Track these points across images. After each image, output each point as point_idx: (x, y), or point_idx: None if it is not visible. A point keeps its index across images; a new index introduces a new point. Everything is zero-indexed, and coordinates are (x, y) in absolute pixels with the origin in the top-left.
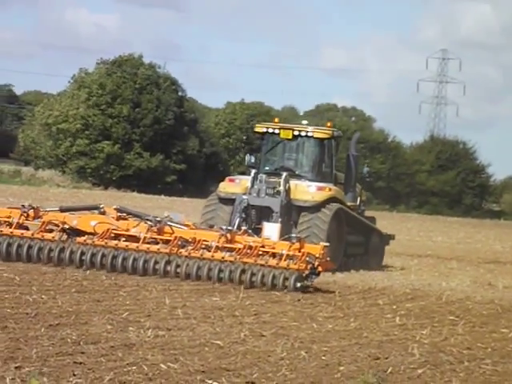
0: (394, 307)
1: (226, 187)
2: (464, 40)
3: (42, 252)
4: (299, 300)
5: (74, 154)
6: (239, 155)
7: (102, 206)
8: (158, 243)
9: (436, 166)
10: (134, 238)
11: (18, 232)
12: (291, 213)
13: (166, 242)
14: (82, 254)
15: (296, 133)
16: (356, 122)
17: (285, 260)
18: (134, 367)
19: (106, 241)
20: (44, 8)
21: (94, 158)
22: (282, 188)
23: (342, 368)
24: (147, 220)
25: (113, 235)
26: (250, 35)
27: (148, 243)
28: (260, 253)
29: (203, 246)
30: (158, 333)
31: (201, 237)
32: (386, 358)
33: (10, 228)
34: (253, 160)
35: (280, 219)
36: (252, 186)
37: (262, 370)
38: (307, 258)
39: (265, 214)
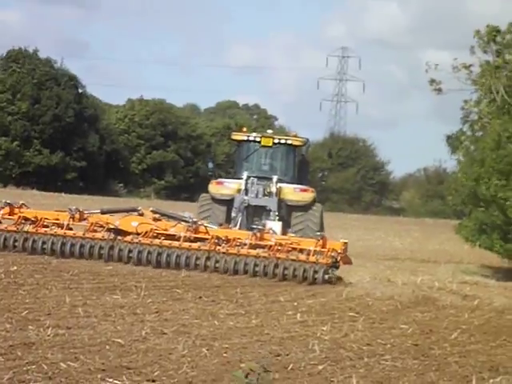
0: (295, 304)
1: (219, 189)
2: (369, 39)
3: (93, 250)
4: (200, 297)
5: None
6: (140, 152)
7: (139, 208)
8: (194, 241)
9: (336, 164)
10: (173, 237)
11: (70, 232)
12: (281, 211)
13: (201, 240)
14: (130, 251)
15: (276, 141)
16: (257, 120)
17: (313, 255)
18: (34, 366)
19: (150, 240)
20: None
21: None
22: (274, 190)
23: (243, 365)
24: (183, 221)
25: (154, 235)
26: (156, 34)
27: (186, 241)
28: (289, 249)
29: (237, 244)
30: (58, 331)
31: (234, 235)
32: (287, 355)
33: (62, 229)
34: (211, 166)
35: (277, 217)
36: (246, 187)
37: (163, 367)
38: (332, 254)
39: (259, 212)
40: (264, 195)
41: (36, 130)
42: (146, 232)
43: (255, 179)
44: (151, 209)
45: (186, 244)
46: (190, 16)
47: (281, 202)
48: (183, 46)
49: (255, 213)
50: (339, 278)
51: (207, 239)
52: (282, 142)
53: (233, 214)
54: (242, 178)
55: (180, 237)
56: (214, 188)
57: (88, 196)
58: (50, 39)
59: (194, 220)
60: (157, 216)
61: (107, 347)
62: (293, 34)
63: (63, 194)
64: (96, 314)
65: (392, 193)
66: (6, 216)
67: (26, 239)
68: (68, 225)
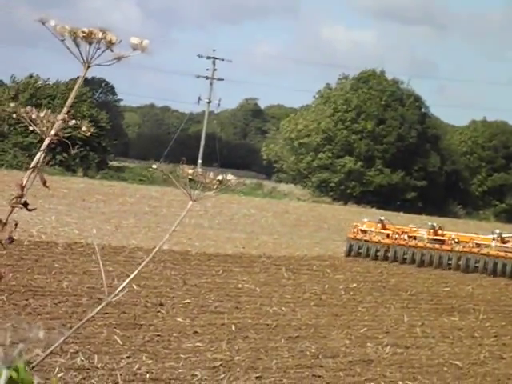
0: None
1: None
2: None
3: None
4: None
5: (315, 169)
6: (481, 174)
7: None
8: None
9: None
10: None
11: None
12: None
13: None
14: None
15: None
16: None
17: None
18: (373, 383)
19: None
20: (301, 23)
21: (336, 173)
22: None
23: None
24: None
25: None
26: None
27: None
28: None
29: None
30: (396, 350)
31: None
32: None
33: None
34: None
35: None
36: None
37: None
38: None
39: None
40: None
41: (379, 149)
42: None
43: None
44: None
45: None
46: None
47: None
48: None
49: None
50: None
51: None
52: None
53: None
54: None
55: None
56: None
57: (426, 216)
58: (400, 59)
59: None
60: None
61: (445, 369)
62: None
63: (402, 214)
64: (434, 335)
65: None
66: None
67: (459, 258)
68: (496, 246)
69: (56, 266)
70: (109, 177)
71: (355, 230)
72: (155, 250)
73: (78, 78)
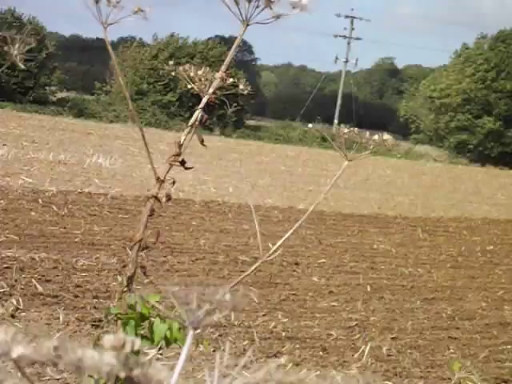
0: None
1: None
2: None
3: None
4: None
5: (452, 129)
6: None
7: None
8: None
9: None
10: None
11: None
12: None
13: None
14: None
15: None
16: None
17: None
18: (509, 346)
19: None
20: None
21: (474, 134)
22: None
23: None
24: None
25: None
26: None
27: None
28: None
29: None
30: None
31: None
32: None
33: None
34: None
35: None
36: None
37: None
38: None
39: None
40: None
41: None
42: None
43: None
44: None
45: None
46: None
47: None
48: None
49: None
50: None
51: None
52: None
53: None
54: None
55: None
56: None
57: None
58: None
59: None
60: None
61: None
62: None
63: None
64: None
65: None
66: None
67: None
68: None
69: (193, 223)
70: (245, 136)
71: None
72: (309, 210)
73: (216, 36)
